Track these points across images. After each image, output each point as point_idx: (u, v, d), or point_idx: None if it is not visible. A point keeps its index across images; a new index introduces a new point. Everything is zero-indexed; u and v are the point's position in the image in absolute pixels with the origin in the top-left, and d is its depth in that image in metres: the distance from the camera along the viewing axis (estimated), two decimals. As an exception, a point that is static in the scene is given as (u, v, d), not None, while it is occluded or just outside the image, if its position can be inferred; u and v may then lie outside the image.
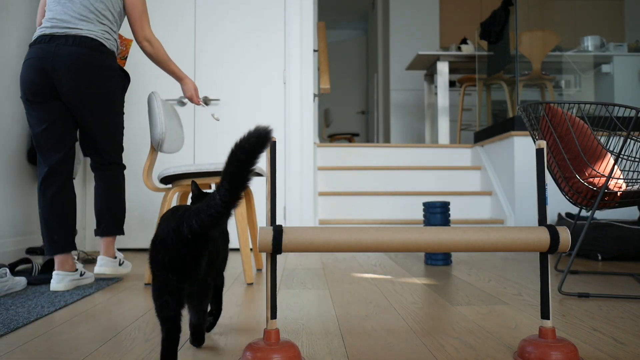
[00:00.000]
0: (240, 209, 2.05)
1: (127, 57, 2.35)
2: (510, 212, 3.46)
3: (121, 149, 2.10)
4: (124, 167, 2.12)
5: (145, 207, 3.26)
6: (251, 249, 3.11)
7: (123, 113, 2.09)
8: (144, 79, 3.30)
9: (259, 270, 2.38)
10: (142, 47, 2.08)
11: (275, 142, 1.03)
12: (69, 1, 1.93)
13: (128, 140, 3.28)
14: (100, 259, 2.01)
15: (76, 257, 2.24)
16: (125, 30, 3.12)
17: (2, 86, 2.47)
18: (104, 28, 1.98)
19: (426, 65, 5.05)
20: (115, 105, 2.02)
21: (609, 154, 1.86)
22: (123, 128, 2.10)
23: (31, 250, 2.36)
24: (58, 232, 1.89)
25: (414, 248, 1.01)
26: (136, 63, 3.30)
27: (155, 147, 2.09)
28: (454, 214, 3.73)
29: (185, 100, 3.27)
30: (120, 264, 2.08)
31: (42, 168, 1.94)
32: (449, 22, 6.28)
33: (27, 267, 2.36)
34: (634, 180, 1.88)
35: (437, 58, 4.77)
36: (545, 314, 1.04)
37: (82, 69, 1.89)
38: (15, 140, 2.58)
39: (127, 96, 3.29)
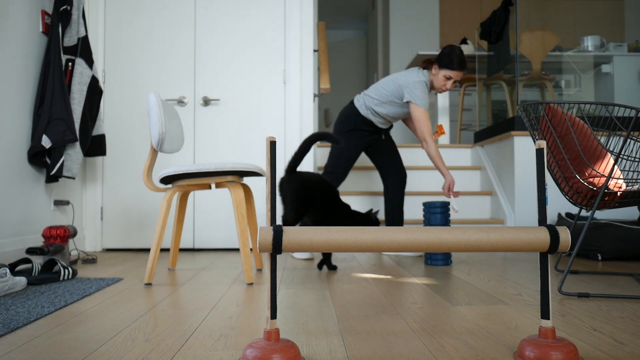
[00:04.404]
0: (240, 209, 2.05)
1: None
2: (510, 212, 3.46)
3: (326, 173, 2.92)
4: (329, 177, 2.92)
5: (145, 207, 3.26)
6: (251, 249, 3.11)
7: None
8: (144, 79, 3.30)
9: (259, 270, 2.38)
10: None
11: (275, 142, 1.03)
12: None
13: (128, 140, 3.29)
14: None
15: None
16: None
17: (3, 88, 2.47)
18: None
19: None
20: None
21: (609, 154, 1.86)
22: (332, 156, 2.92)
23: (31, 250, 2.36)
24: None
25: (414, 248, 1.01)
26: (136, 63, 3.30)
27: (155, 147, 2.09)
28: (454, 214, 3.73)
29: (186, 99, 3.28)
30: None
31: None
32: (449, 22, 6.28)
33: (27, 267, 2.36)
34: (634, 180, 1.88)
35: (437, 58, 4.77)
36: (545, 314, 1.04)
37: None
38: (16, 141, 2.58)
39: (127, 96, 3.29)
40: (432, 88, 2.89)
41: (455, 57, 2.78)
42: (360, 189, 3.92)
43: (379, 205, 3.67)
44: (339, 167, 2.87)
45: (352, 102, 2.96)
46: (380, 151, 3.02)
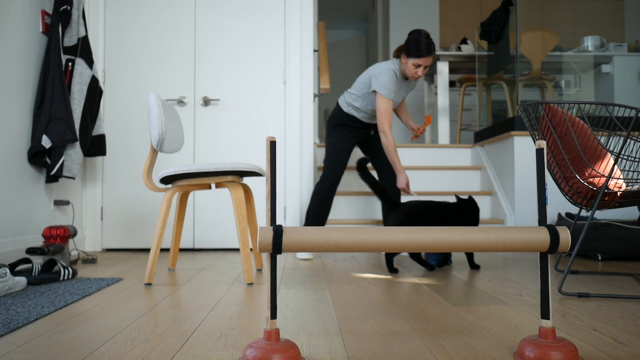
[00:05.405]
0: (240, 209, 2.06)
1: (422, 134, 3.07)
2: (510, 212, 3.46)
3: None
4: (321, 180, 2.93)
5: (145, 207, 3.26)
6: (251, 249, 3.11)
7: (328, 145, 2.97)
8: (144, 79, 3.30)
9: (259, 270, 2.38)
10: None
11: (275, 142, 1.03)
12: None
13: (128, 140, 3.29)
14: None
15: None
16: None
17: (3, 88, 2.47)
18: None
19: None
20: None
21: (609, 154, 1.86)
22: (326, 154, 2.94)
23: (31, 250, 2.36)
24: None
25: (414, 248, 1.01)
26: (136, 63, 3.30)
27: (155, 147, 2.09)
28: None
29: (186, 99, 3.28)
30: None
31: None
32: (449, 22, 6.28)
33: (27, 267, 2.36)
34: (634, 180, 1.88)
35: (437, 58, 4.77)
36: (545, 314, 1.04)
37: None
38: (16, 140, 2.58)
39: (127, 96, 3.29)
40: (406, 77, 2.87)
41: (422, 43, 2.71)
42: (360, 189, 3.92)
43: (377, 206, 3.67)
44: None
45: (337, 102, 3.02)
46: (375, 150, 3.02)
